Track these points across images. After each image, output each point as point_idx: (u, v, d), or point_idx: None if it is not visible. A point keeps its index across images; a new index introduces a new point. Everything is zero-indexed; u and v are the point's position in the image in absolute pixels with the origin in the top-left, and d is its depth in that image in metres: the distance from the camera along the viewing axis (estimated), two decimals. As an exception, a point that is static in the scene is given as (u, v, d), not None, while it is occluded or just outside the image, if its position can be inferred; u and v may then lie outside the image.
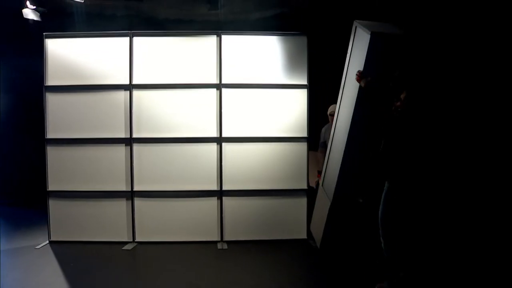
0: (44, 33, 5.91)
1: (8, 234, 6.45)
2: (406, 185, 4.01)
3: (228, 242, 5.85)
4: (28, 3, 7.07)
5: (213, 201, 5.90)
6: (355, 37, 4.91)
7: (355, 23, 4.87)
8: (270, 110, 5.95)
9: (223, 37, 5.92)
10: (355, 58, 4.84)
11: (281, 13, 8.19)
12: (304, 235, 5.98)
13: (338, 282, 4.62)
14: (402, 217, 4.03)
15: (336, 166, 4.97)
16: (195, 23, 8.48)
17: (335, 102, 5.94)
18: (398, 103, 4.06)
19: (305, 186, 6.00)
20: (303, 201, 6.00)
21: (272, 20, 8.19)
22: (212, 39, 5.93)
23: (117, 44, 5.90)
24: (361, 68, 4.50)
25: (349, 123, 4.69)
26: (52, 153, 5.91)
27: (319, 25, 7.11)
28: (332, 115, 5.58)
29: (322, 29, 7.02)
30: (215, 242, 5.86)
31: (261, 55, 5.98)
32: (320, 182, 5.60)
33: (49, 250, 5.66)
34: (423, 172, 4.04)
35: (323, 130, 5.98)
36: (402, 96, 4.05)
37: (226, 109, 5.88)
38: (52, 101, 5.89)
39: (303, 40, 5.99)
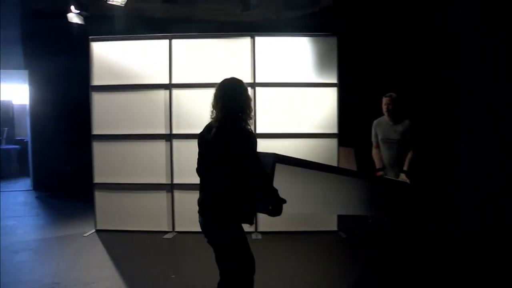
0: (89, 37, 6.29)
1: (58, 223, 6.94)
2: None
3: (263, 233, 6.12)
4: (72, 7, 7.50)
5: (248, 194, 6.16)
6: None
7: None
8: (302, 107, 6.18)
9: (257, 38, 6.18)
10: None
11: (311, 13, 8.43)
12: (334, 227, 6.21)
13: (367, 273, 4.83)
14: None
15: None
16: (229, 23, 8.79)
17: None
18: None
19: (335, 180, 6.20)
20: (333, 195, 6.21)
21: (303, 20, 8.44)
22: (246, 40, 6.20)
23: (157, 46, 6.24)
24: None
25: None
26: (97, 148, 6.31)
27: (348, 25, 7.31)
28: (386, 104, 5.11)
29: (351, 29, 7.22)
30: (249, 233, 6.12)
31: (292, 55, 6.22)
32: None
33: (96, 237, 6.06)
34: None
35: (374, 123, 5.33)
36: None
37: (259, 106, 6.12)
38: (97, 100, 6.29)
39: (333, 40, 6.19)
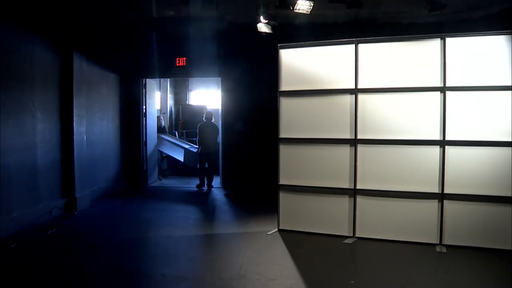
0: (279, 44, 6.58)
1: (243, 220, 7.48)
2: None
3: (447, 246, 5.74)
4: (261, 18, 7.99)
5: (433, 203, 5.86)
6: None
7: None
8: (500, 113, 5.64)
9: (447, 39, 5.81)
10: None
11: (508, 8, 7.73)
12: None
13: None
14: None
15: None
16: (414, 25, 8.51)
17: None
18: None
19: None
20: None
21: (497, 17, 7.79)
22: (435, 42, 5.88)
23: (342, 51, 6.27)
24: None
25: None
26: (283, 151, 6.58)
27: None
28: None
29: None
30: (433, 245, 5.81)
31: (488, 55, 5.71)
32: None
33: (278, 236, 6.34)
34: None
35: None
36: None
37: (450, 112, 5.78)
38: (285, 104, 6.57)
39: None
